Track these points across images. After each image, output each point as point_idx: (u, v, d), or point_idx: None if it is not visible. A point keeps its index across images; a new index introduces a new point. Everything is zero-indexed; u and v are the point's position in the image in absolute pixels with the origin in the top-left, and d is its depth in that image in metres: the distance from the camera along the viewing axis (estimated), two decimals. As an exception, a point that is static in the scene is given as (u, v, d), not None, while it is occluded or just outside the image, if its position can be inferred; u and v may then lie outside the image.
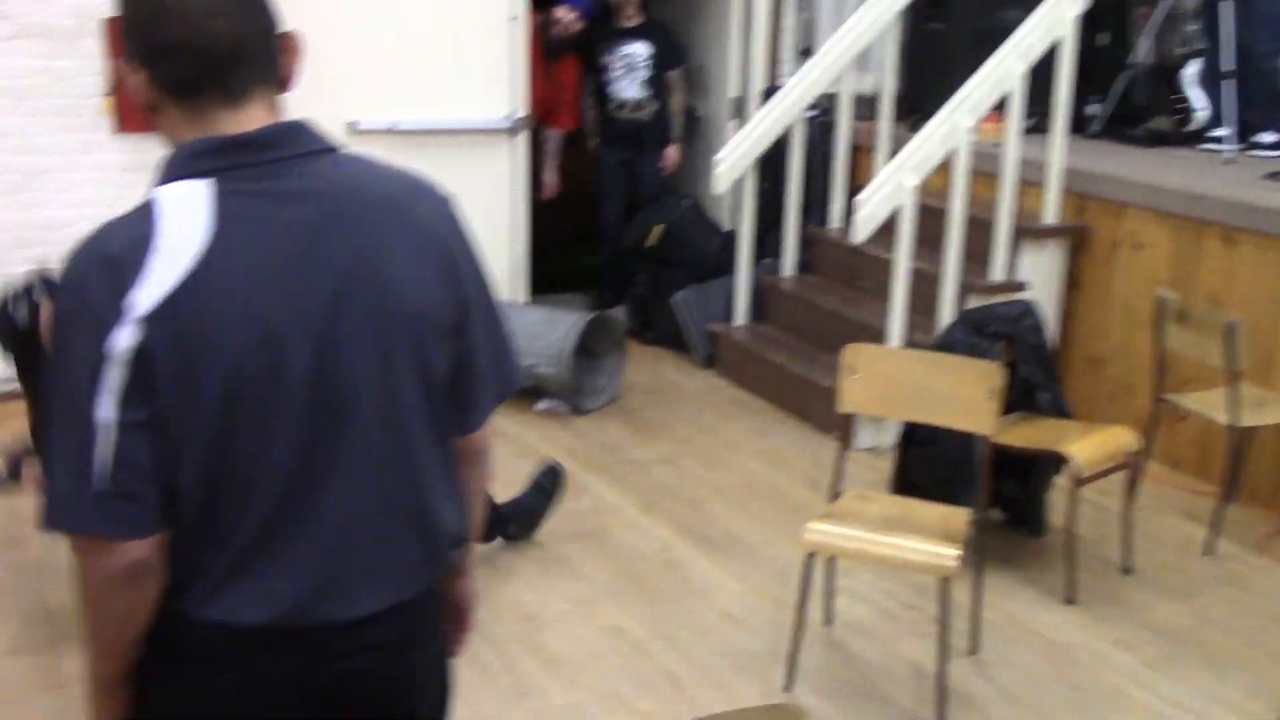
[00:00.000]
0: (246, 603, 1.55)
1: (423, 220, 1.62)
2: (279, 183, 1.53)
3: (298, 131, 1.58)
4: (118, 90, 5.26)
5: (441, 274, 1.61)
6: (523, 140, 6.31)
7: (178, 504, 1.52)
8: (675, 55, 6.62)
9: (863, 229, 4.85)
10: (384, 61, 5.94)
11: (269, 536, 1.55)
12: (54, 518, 1.51)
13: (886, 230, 4.94)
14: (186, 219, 1.48)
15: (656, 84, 6.53)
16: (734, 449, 5.06)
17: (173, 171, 1.53)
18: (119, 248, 1.48)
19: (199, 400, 1.47)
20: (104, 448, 1.45)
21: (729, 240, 6.30)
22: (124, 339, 1.43)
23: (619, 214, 6.72)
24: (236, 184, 1.50)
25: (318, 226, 1.52)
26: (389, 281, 1.55)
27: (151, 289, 1.44)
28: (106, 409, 1.44)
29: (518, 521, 4.04)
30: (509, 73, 6.17)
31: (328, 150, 1.60)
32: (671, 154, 6.65)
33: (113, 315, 1.44)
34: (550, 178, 6.86)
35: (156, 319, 1.44)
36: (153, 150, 5.34)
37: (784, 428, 5.32)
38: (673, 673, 3.39)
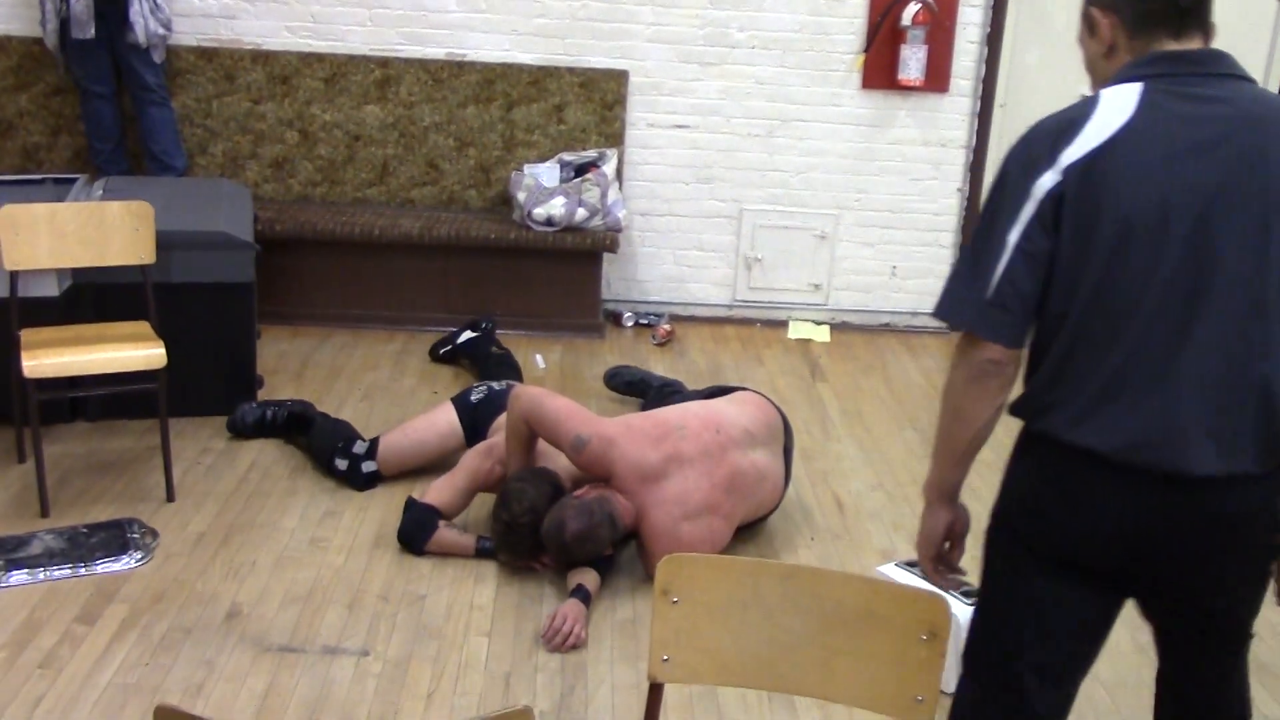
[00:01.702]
0: (1102, 430, 1.93)
1: None
2: (1198, 89, 1.93)
3: (1222, 56, 1.97)
4: (870, 48, 5.70)
5: None
6: None
7: (1059, 332, 1.94)
8: None
9: None
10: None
11: (1127, 375, 1.91)
12: (946, 310, 2.02)
13: None
14: (1117, 105, 1.93)
15: None
16: None
17: (1116, 78, 1.98)
18: (1062, 120, 1.95)
19: (1092, 240, 1.90)
20: (1000, 265, 1.93)
21: None
22: (1047, 181, 1.91)
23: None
24: (1164, 85, 1.93)
25: (1221, 124, 1.90)
26: (1272, 174, 1.88)
27: (1078, 148, 1.90)
28: (1014, 234, 1.92)
29: None
30: None
31: (1245, 79, 1.97)
32: None
33: (1045, 162, 1.91)
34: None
35: (1075, 169, 1.89)
36: (892, 108, 5.74)
37: None
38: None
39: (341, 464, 4.08)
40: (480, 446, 3.84)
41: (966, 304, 1.98)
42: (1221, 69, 1.95)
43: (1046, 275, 1.93)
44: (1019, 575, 2.12)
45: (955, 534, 2.24)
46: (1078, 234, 1.90)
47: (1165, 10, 1.96)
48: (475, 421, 4.10)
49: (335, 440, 4.15)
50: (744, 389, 4.05)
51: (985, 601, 2.21)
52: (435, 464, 4.12)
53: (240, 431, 4.38)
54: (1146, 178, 1.88)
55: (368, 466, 4.06)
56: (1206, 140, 1.89)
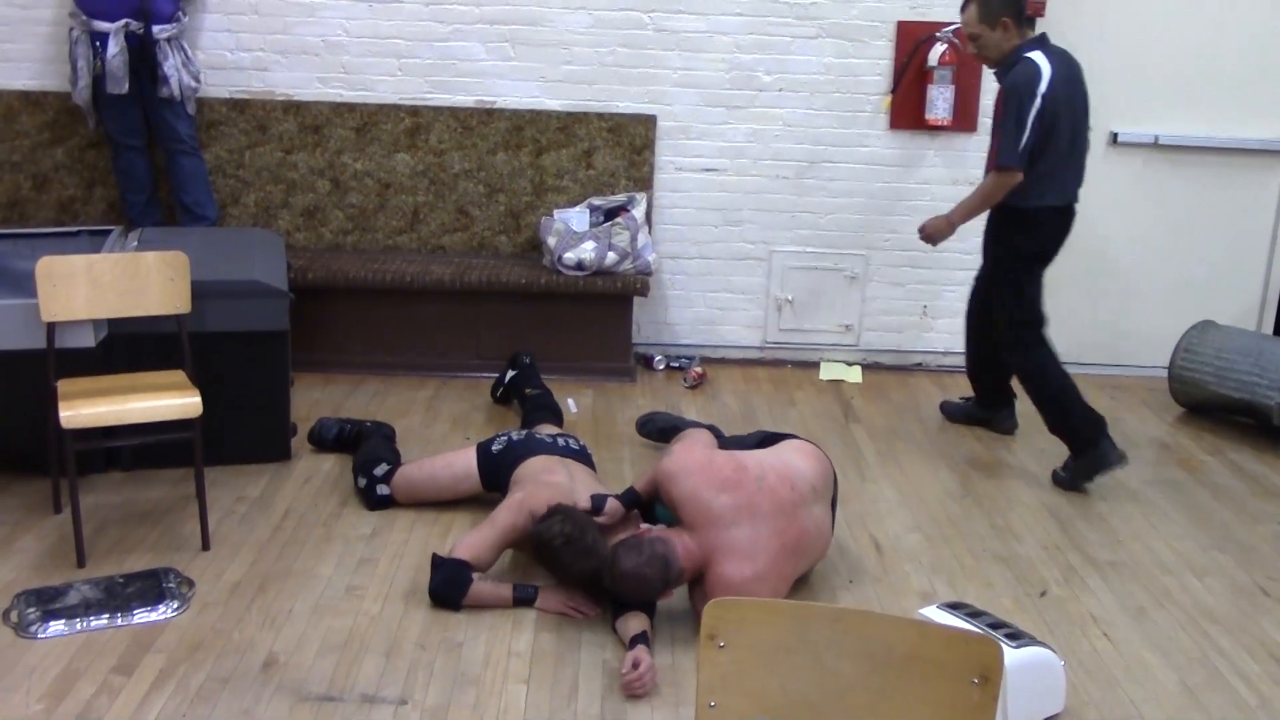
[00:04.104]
0: (1055, 194, 4.62)
1: None
2: (1056, 50, 4.53)
3: (1045, 38, 4.57)
4: (897, 89, 5.71)
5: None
6: (1298, 165, 5.89)
7: (1040, 160, 4.52)
8: None
9: None
10: (1149, 70, 5.83)
11: (1063, 171, 4.59)
12: (1006, 159, 4.49)
13: None
14: (1043, 62, 4.46)
15: None
16: None
17: (1023, 49, 4.51)
18: (1033, 74, 4.44)
19: (1059, 127, 4.48)
20: (1026, 134, 4.46)
21: None
22: (1040, 100, 4.42)
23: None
24: (1048, 49, 4.51)
25: (1074, 67, 4.55)
26: (1084, 90, 4.63)
27: (1044, 84, 4.43)
28: (1030, 120, 4.44)
29: None
30: (1294, 92, 5.78)
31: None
32: None
33: (1036, 91, 4.44)
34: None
35: (1046, 95, 4.43)
36: (920, 148, 5.78)
37: None
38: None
39: (361, 481, 4.27)
40: (512, 501, 3.79)
41: (1014, 154, 4.47)
42: (1049, 42, 4.57)
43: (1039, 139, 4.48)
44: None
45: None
46: (1053, 125, 4.46)
47: (1023, 11, 4.53)
48: (494, 471, 4.11)
49: (365, 458, 4.36)
50: (795, 437, 3.99)
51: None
52: (446, 501, 4.23)
53: (321, 444, 4.68)
54: (1067, 97, 4.48)
55: (381, 490, 4.22)
56: (1074, 75, 4.54)
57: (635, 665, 3.23)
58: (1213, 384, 5.34)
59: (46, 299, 3.85)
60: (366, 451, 4.43)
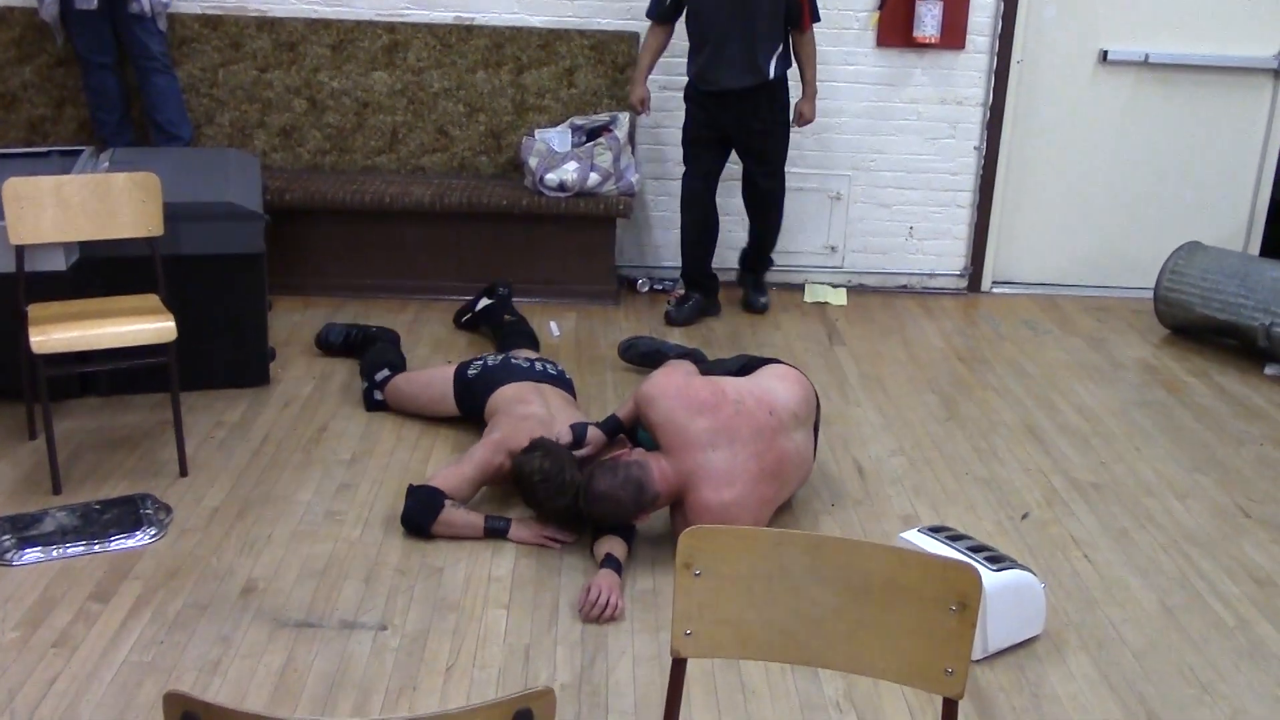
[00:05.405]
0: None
1: None
2: None
3: None
4: (884, 6, 5.60)
5: None
6: (1290, 84, 5.81)
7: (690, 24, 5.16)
8: None
9: None
10: (1149, -10, 5.73)
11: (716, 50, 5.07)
12: (650, 12, 5.19)
13: None
14: None
15: None
16: None
17: None
18: None
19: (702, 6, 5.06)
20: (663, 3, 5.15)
21: None
22: None
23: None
24: None
25: None
26: None
27: None
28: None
29: None
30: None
31: None
32: None
33: None
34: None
35: None
36: (908, 66, 5.67)
37: None
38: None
39: (363, 384, 4.46)
40: (490, 440, 3.75)
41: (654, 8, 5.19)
42: None
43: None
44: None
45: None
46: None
47: None
48: (469, 395, 4.10)
49: (370, 362, 4.53)
50: (778, 362, 3.94)
51: None
52: (429, 417, 4.29)
53: (328, 348, 4.81)
54: None
55: (377, 395, 4.39)
56: None
57: (589, 591, 3.24)
58: (1198, 306, 5.32)
59: (14, 221, 3.76)
60: (372, 355, 4.57)
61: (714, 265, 5.61)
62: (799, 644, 1.99)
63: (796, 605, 1.97)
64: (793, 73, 5.28)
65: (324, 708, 2.84)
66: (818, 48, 5.61)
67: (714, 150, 5.31)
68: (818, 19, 5.21)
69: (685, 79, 5.32)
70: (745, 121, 5.21)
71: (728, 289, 5.76)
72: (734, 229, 5.82)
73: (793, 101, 5.29)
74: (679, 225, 5.84)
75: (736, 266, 5.81)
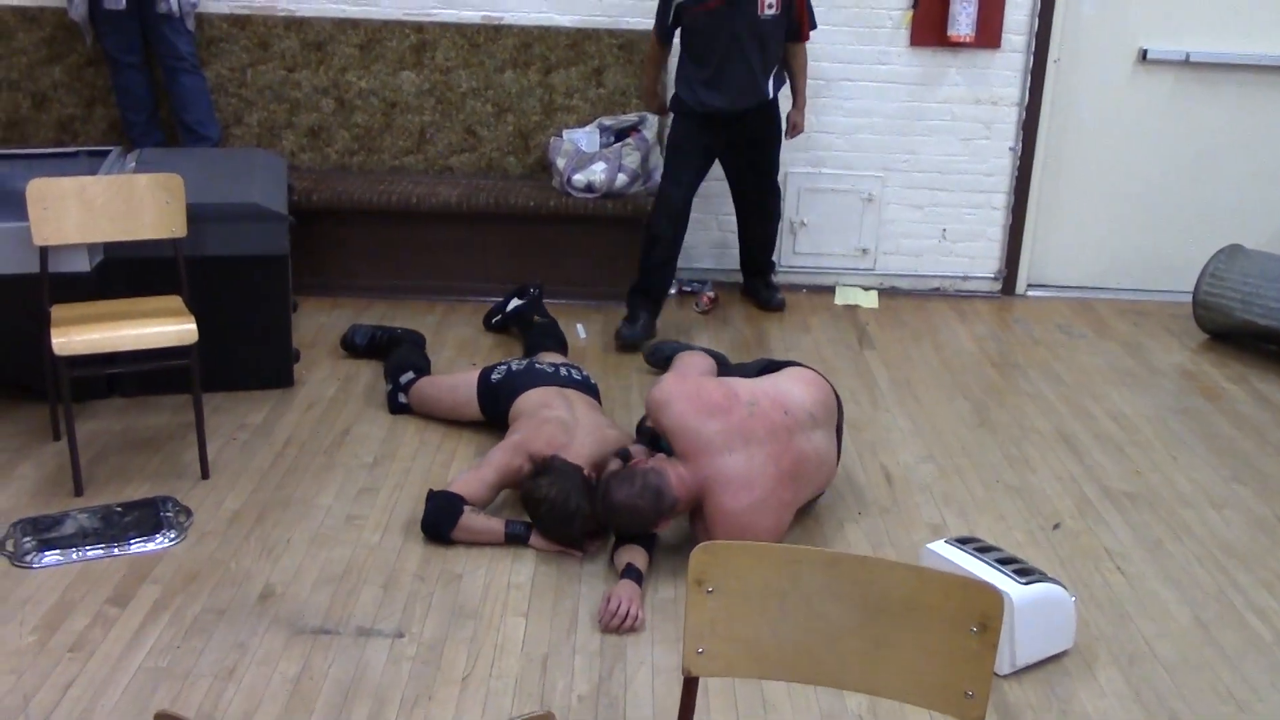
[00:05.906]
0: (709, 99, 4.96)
1: None
2: None
3: None
4: (918, 4, 5.52)
5: None
6: (1335, 83, 5.68)
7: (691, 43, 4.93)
8: None
9: None
10: (1189, -12, 5.62)
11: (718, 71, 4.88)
12: (656, 31, 5.03)
13: None
14: None
15: None
16: None
17: None
18: None
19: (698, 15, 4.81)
20: (667, 13, 4.91)
21: None
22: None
23: None
24: None
25: None
26: None
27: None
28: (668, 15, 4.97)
29: None
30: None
31: None
32: None
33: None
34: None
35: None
36: (942, 66, 5.57)
37: None
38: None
39: (388, 386, 4.42)
40: (509, 442, 3.73)
41: (660, 29, 4.98)
42: None
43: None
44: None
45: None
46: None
47: None
48: (493, 400, 4.07)
49: (395, 364, 4.49)
50: (796, 364, 3.89)
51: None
52: (453, 421, 4.27)
53: (353, 350, 4.80)
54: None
55: (401, 398, 4.36)
56: None
57: (609, 601, 3.19)
58: (1239, 310, 5.20)
59: (38, 222, 3.76)
60: (397, 358, 4.54)
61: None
62: (814, 663, 1.94)
63: (812, 624, 1.92)
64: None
65: (338, 717, 2.81)
66: (847, 47, 5.56)
67: (701, 163, 5.18)
68: (815, 26, 5.14)
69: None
70: (742, 138, 5.15)
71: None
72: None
73: (783, 112, 5.25)
74: (708, 228, 5.79)
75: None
